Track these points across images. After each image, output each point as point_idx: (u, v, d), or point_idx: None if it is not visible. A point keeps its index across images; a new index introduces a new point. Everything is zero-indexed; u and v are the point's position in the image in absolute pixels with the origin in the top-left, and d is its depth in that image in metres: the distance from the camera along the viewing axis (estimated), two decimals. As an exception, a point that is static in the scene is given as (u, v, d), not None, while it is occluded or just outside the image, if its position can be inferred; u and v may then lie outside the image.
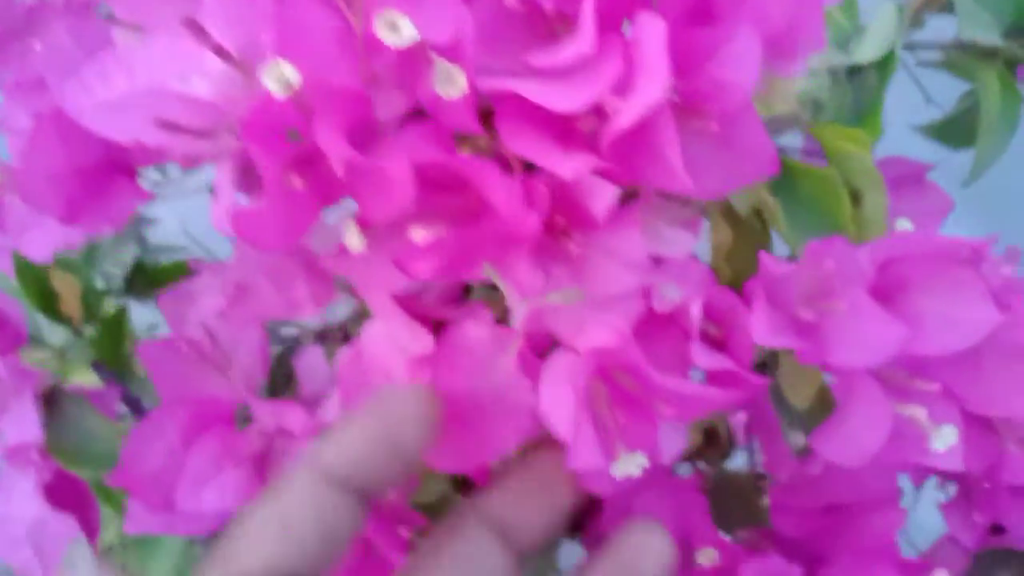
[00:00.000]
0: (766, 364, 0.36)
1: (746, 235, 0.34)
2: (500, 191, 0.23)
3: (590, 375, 0.27)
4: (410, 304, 0.33)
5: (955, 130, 0.44)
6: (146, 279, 0.52)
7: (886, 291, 0.31)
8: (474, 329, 0.28)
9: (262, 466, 0.37)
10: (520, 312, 0.28)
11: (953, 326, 0.30)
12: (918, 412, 0.30)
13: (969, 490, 0.43)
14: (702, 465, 0.43)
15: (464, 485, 0.46)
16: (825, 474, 0.38)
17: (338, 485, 0.23)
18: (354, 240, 0.24)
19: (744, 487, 0.40)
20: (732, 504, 0.40)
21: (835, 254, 0.30)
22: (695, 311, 0.28)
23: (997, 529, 0.44)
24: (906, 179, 0.46)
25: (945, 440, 0.31)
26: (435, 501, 0.46)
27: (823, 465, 0.38)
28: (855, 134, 0.36)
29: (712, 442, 0.41)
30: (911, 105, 0.50)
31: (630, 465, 0.28)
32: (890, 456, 0.32)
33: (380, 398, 0.24)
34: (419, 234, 0.22)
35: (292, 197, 0.23)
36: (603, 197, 0.24)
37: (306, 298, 0.36)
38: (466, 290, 0.32)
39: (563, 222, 0.25)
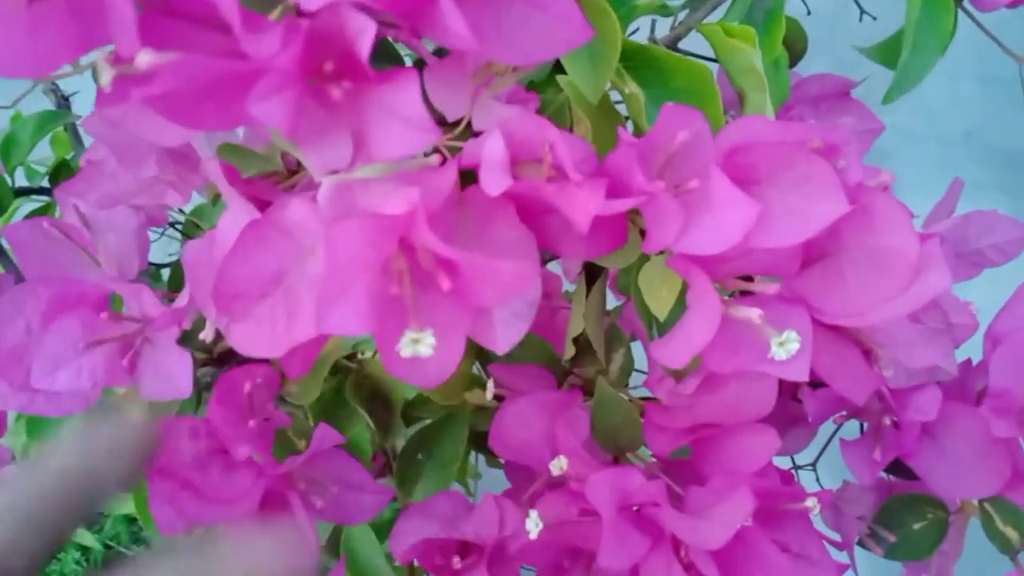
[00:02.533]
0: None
1: (605, 122, 0.32)
2: (247, 26, 0.22)
3: (380, 243, 0.26)
4: (248, 186, 0.33)
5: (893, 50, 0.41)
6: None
7: (735, 182, 0.29)
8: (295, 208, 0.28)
9: (125, 351, 0.37)
10: (326, 186, 0.27)
11: (798, 215, 0.28)
12: (752, 314, 0.28)
13: (877, 429, 0.40)
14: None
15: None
16: (697, 393, 0.36)
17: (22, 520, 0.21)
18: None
19: (623, 407, 0.39)
20: (613, 424, 0.39)
21: (691, 126, 0.28)
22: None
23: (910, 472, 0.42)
24: (830, 94, 0.43)
25: (787, 347, 0.29)
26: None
27: (696, 385, 0.36)
28: (742, 31, 0.34)
29: (585, 352, 0.39)
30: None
31: (420, 345, 0.27)
32: (726, 360, 0.30)
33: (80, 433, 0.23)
34: (145, 58, 0.21)
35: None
36: (363, 34, 0.22)
37: (162, 182, 0.36)
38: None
39: (333, 69, 0.24)
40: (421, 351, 0.27)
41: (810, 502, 0.34)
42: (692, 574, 0.33)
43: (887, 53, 0.43)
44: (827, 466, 0.47)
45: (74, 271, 0.38)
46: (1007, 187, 1.27)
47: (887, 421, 0.39)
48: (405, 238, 0.26)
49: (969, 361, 0.42)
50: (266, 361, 0.37)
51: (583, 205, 0.27)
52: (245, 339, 0.30)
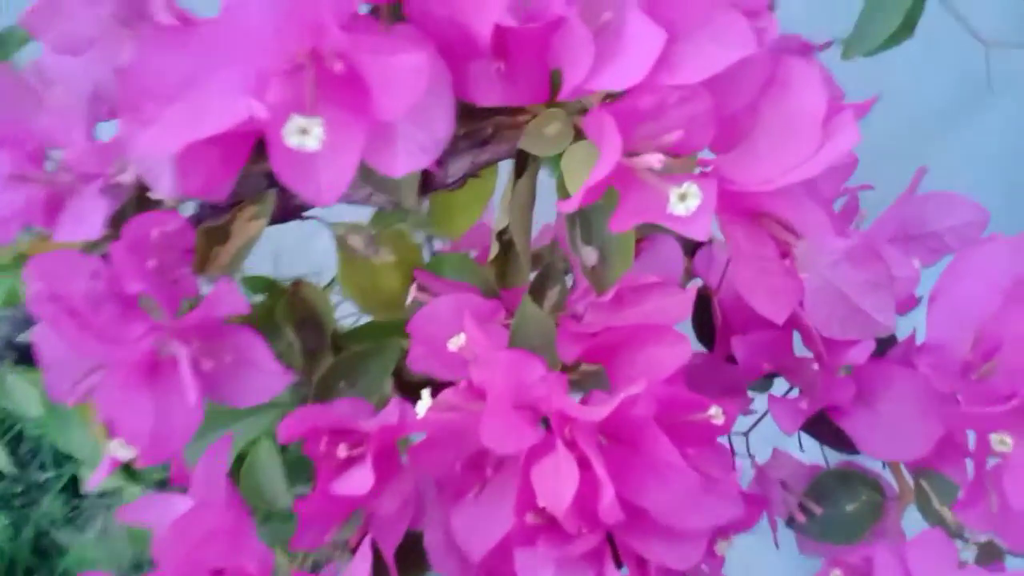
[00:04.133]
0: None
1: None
2: None
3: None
4: None
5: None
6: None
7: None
8: None
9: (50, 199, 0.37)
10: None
11: (706, 56, 0.27)
12: (652, 160, 0.28)
13: (806, 381, 0.38)
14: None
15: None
16: (615, 306, 0.35)
17: None
18: None
19: (545, 325, 0.37)
20: (531, 344, 0.37)
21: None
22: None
23: (843, 436, 0.39)
24: (791, 51, 0.43)
25: (687, 203, 0.28)
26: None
27: (613, 293, 0.35)
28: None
29: (508, 252, 0.38)
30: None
31: (307, 137, 0.26)
32: (628, 217, 0.29)
33: None
34: None
35: None
36: None
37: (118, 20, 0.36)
38: None
39: None
40: (308, 143, 0.27)
41: (713, 410, 0.32)
42: (582, 470, 0.31)
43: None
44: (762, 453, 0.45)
45: (20, 114, 0.38)
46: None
47: (814, 367, 0.37)
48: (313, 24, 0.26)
49: (912, 337, 0.40)
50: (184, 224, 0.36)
51: (483, 9, 0.26)
52: (151, 142, 0.30)
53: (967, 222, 0.43)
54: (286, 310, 0.45)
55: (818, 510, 0.38)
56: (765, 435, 0.44)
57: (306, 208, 0.41)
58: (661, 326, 0.34)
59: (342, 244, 0.41)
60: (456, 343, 0.33)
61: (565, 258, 0.45)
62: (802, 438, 0.41)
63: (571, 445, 0.30)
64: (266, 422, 0.45)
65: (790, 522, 0.40)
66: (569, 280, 0.42)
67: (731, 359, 0.42)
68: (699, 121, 0.29)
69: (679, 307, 0.34)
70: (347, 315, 0.50)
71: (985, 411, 0.31)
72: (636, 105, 0.29)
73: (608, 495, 0.29)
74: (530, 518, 0.34)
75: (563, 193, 0.34)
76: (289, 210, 0.41)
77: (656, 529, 0.33)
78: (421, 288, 0.39)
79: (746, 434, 0.43)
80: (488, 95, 0.31)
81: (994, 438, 0.30)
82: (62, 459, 1.05)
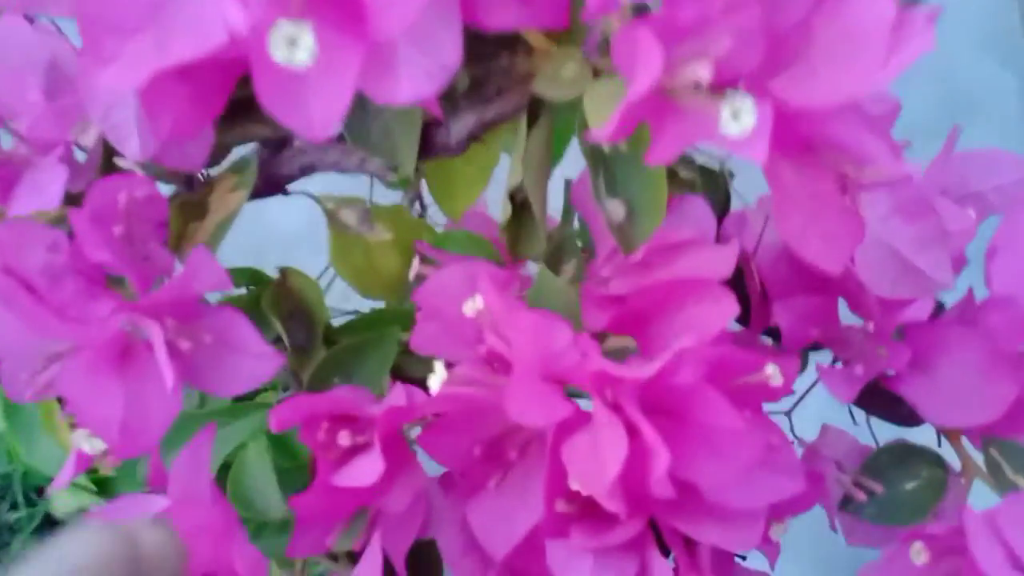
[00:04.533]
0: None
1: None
2: None
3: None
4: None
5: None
6: None
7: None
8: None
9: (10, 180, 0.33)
10: None
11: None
12: (700, 71, 0.24)
13: (860, 346, 0.34)
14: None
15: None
16: (640, 263, 0.31)
17: None
18: None
19: (565, 293, 0.33)
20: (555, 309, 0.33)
21: None
22: None
23: (899, 406, 0.36)
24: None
25: (741, 121, 0.24)
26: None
27: (642, 253, 0.31)
28: None
29: (522, 214, 0.34)
30: None
31: (296, 50, 0.23)
32: (672, 142, 0.25)
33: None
34: None
35: None
36: None
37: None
38: None
39: None
40: (297, 57, 0.23)
41: (770, 369, 0.28)
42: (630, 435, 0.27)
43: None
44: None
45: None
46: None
47: (870, 327, 0.33)
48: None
49: (970, 297, 0.36)
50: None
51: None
52: (112, 79, 0.26)
53: (1014, 180, 0.39)
54: (272, 301, 0.41)
55: (878, 488, 0.34)
56: (806, 417, 0.40)
57: (290, 181, 0.38)
58: (701, 280, 0.30)
59: (333, 220, 0.37)
60: (472, 307, 0.29)
61: (578, 231, 0.41)
62: (854, 416, 0.38)
63: (615, 409, 0.26)
64: (253, 426, 0.40)
65: (844, 505, 0.36)
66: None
67: (769, 334, 0.39)
68: (746, 37, 0.25)
69: (720, 262, 0.31)
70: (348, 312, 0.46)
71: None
72: (675, 17, 0.25)
73: (661, 463, 0.25)
74: (561, 506, 0.30)
75: (588, 152, 0.31)
76: (272, 183, 0.37)
77: (708, 509, 0.29)
78: (424, 261, 0.35)
79: (788, 413, 0.39)
80: (501, 16, 0.27)
81: None
82: (34, 499, 0.99)
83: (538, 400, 0.27)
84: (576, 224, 0.42)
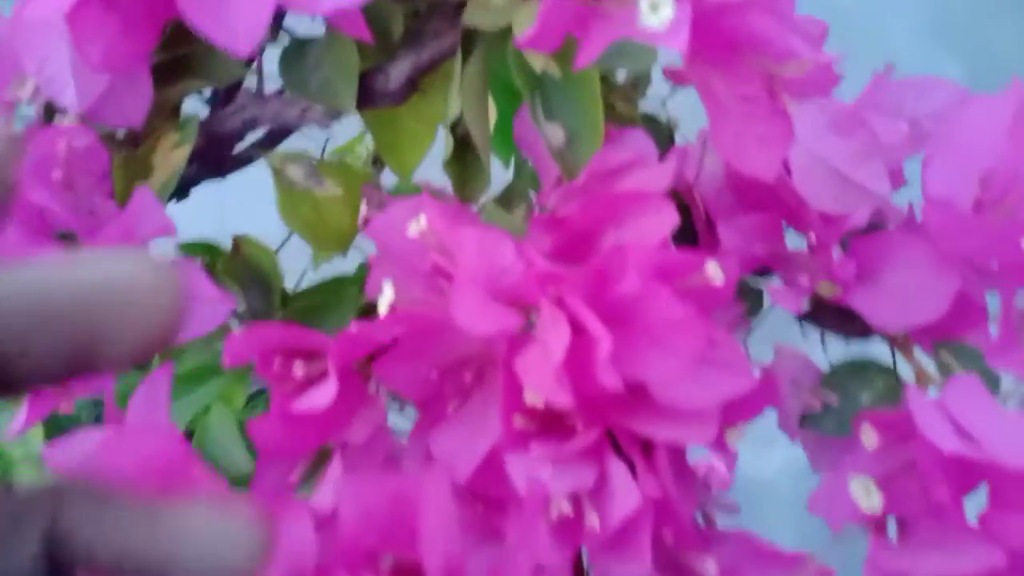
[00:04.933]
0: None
1: None
2: None
3: None
4: None
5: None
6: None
7: None
8: None
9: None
10: None
11: None
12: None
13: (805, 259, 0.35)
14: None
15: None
16: (583, 186, 0.32)
17: None
18: None
19: (513, 224, 0.34)
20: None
21: None
22: None
23: (851, 322, 0.36)
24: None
25: (660, 12, 0.25)
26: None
27: (584, 176, 0.32)
28: None
29: (464, 149, 0.34)
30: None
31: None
32: (595, 44, 0.26)
33: None
34: None
35: None
36: None
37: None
38: None
39: None
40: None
41: (710, 267, 0.28)
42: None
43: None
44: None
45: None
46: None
47: (812, 239, 0.34)
48: None
49: (911, 214, 0.37)
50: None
51: None
52: (38, 9, 0.26)
53: (946, 103, 0.40)
54: (228, 270, 0.41)
55: (834, 400, 0.35)
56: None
57: (252, 160, 0.38)
58: (641, 193, 0.31)
59: (279, 176, 0.38)
60: (416, 227, 0.30)
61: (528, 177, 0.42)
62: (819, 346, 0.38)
63: (559, 304, 0.27)
64: (213, 392, 0.40)
65: (804, 422, 0.36)
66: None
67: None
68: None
69: (658, 177, 0.31)
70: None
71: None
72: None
73: (604, 348, 0.25)
74: (519, 422, 0.30)
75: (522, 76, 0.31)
76: (217, 142, 0.38)
77: (660, 410, 0.29)
78: (372, 204, 0.36)
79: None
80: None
81: None
82: None
83: (485, 309, 0.28)
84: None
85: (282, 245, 0.46)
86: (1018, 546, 0.26)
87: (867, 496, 0.29)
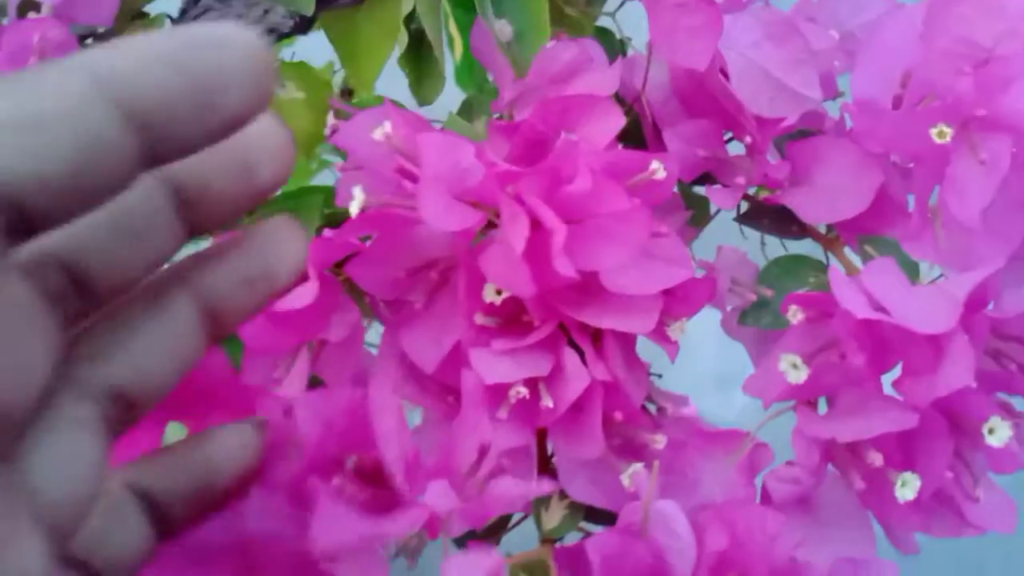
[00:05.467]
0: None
1: None
2: None
3: None
4: None
5: None
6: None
7: None
8: None
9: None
10: None
11: None
12: None
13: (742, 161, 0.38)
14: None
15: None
16: (541, 88, 0.34)
17: (112, 102, 0.16)
18: None
19: (469, 129, 0.36)
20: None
21: None
22: None
23: (787, 222, 0.39)
24: None
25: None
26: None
27: (539, 78, 0.34)
28: None
29: (419, 45, 0.36)
30: None
31: None
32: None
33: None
34: None
35: None
36: None
37: None
38: None
39: None
40: None
41: (654, 164, 0.31)
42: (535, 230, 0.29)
43: None
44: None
45: None
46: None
47: (748, 141, 0.37)
48: None
49: (841, 120, 0.40)
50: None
51: None
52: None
53: (879, 14, 0.43)
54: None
55: (769, 292, 0.38)
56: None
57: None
58: (591, 96, 0.33)
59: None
60: (381, 132, 0.32)
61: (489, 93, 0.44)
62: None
63: (518, 201, 0.29)
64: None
65: (744, 317, 0.39)
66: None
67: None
68: None
69: (606, 81, 0.34)
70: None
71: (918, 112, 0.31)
72: None
73: (559, 237, 0.28)
74: (480, 319, 0.33)
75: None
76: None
77: (608, 302, 0.32)
78: (339, 115, 0.37)
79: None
80: None
81: (934, 131, 0.30)
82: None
83: (449, 207, 0.30)
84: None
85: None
86: (924, 406, 0.30)
87: (794, 371, 0.32)
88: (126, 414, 0.19)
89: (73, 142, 0.16)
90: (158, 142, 0.17)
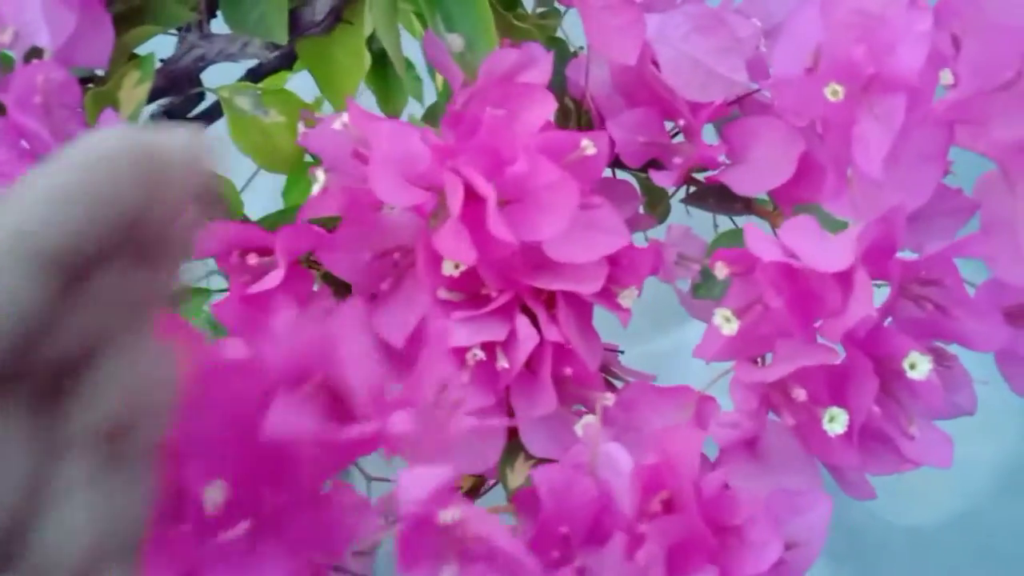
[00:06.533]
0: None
1: None
2: None
3: None
4: None
5: None
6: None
7: None
8: None
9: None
10: None
11: None
12: None
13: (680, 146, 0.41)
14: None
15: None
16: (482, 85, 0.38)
17: (24, 260, 0.17)
18: None
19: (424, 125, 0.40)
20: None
21: None
22: None
23: (729, 200, 0.42)
24: None
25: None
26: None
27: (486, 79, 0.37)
28: None
29: (382, 64, 0.40)
30: None
31: None
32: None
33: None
34: None
35: None
36: None
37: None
38: None
39: None
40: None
41: (584, 141, 0.34)
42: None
43: None
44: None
45: None
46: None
47: (681, 124, 0.40)
48: None
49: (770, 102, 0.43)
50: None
51: None
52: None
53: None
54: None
55: (724, 273, 0.41)
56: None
57: (190, 75, 0.43)
58: (525, 86, 0.37)
59: (228, 105, 0.43)
60: (340, 121, 0.35)
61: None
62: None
63: (456, 173, 0.32)
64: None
65: (695, 291, 0.42)
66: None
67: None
68: None
69: (542, 73, 0.37)
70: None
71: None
72: None
73: (491, 201, 0.31)
74: (443, 293, 0.36)
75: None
76: (173, 79, 0.43)
77: (556, 268, 0.35)
78: (308, 124, 0.41)
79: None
80: None
81: (828, 90, 0.33)
82: None
83: (399, 185, 0.33)
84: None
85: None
86: (843, 342, 0.33)
87: (727, 324, 0.35)
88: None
89: None
90: (80, 268, 0.17)
